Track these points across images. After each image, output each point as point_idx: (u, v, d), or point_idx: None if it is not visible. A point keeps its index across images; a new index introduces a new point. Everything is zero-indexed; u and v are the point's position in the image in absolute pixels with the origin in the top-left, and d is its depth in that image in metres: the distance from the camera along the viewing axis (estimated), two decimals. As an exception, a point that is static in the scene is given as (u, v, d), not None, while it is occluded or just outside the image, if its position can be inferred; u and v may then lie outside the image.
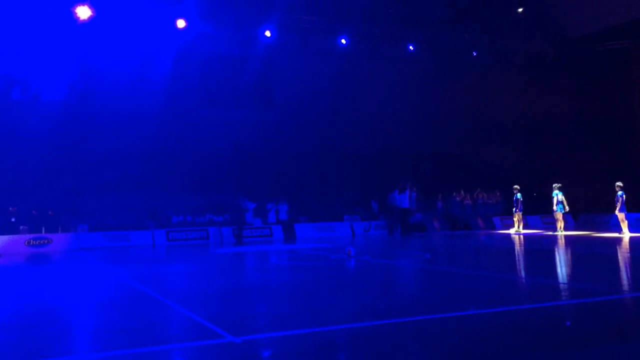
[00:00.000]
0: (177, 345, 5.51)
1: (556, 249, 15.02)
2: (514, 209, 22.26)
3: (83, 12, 21.44)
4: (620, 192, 18.70)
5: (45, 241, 19.84)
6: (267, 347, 5.33)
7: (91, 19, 21.62)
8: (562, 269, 11.05)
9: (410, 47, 27.73)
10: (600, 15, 26.17)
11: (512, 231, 22.25)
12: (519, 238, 19.11)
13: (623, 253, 13.49)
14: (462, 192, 26.01)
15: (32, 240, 19.67)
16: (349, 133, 26.82)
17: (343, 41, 26.49)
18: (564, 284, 8.84)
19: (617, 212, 18.81)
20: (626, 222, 18.49)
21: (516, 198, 22.03)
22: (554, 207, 20.44)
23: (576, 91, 28.95)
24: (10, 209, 20.20)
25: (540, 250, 15.05)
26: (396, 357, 4.85)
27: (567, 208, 20.49)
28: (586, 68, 29.07)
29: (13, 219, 20.12)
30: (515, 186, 22.28)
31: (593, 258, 12.65)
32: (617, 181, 18.98)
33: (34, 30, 22.37)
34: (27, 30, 22.27)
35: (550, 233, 20.56)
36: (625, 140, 29.76)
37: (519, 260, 13.36)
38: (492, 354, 4.87)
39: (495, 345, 5.12)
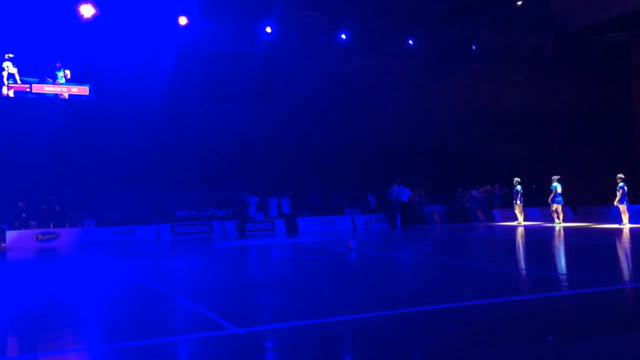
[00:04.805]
0: (182, 337, 5.70)
1: (559, 241, 15.17)
2: (514, 202, 22.46)
3: (87, 11, 21.68)
4: (621, 184, 18.86)
5: (53, 236, 20.17)
6: (270, 338, 5.50)
7: (94, 17, 21.85)
8: (566, 260, 11.19)
9: (410, 42, 27.82)
10: (600, 7, 26.14)
11: (519, 222, 22.31)
12: (521, 230, 19.29)
13: (625, 244, 13.68)
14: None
15: (40, 235, 20.00)
16: (349, 127, 26.93)
17: (343, 36, 26.62)
18: (567, 275, 8.99)
19: (617, 203, 18.99)
20: (627, 213, 18.66)
21: (516, 190, 22.22)
22: (551, 199, 20.63)
23: (576, 83, 28.96)
24: (20, 204, 20.52)
25: (543, 242, 15.17)
26: (398, 347, 4.98)
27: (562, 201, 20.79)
28: (586, 60, 29.08)
29: (23, 214, 20.45)
30: (516, 179, 22.47)
31: (597, 249, 12.70)
32: (618, 173, 19.15)
33: (37, 28, 22.59)
34: (29, 28, 22.49)
35: (550, 225, 20.75)
36: (625, 132, 29.81)
37: (521, 251, 13.52)
38: (494, 343, 5.01)
39: (497, 335, 5.26)
